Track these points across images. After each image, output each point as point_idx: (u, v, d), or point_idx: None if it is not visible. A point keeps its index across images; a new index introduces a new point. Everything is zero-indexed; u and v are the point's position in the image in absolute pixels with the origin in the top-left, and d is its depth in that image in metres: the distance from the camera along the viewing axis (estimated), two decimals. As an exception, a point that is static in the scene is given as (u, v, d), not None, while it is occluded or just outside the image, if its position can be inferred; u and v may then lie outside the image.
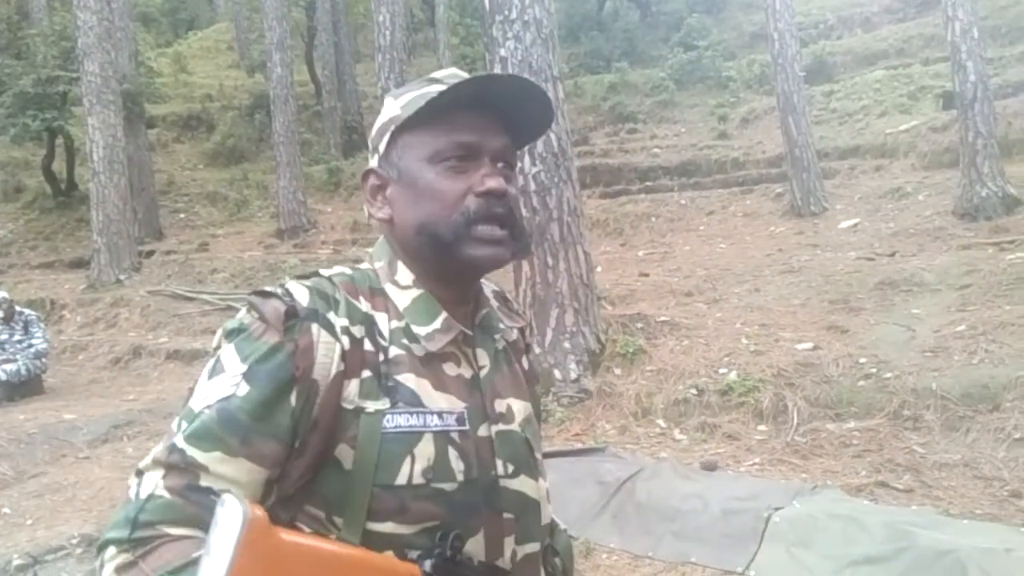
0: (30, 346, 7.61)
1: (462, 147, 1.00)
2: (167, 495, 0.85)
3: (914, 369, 4.90)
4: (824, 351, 5.39)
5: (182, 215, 15.39)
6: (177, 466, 0.86)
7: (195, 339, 9.02)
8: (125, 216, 11.85)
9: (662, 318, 6.31)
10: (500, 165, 1.03)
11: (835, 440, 4.55)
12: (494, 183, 1.00)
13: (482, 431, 1.00)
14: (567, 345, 5.77)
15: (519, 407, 1.08)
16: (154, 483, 0.86)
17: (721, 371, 5.39)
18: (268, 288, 0.95)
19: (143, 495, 0.86)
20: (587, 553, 3.66)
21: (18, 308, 7.87)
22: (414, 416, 0.93)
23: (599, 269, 8.01)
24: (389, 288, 1.02)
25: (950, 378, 4.71)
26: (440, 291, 1.04)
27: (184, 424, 0.89)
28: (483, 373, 1.05)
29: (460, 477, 0.95)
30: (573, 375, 5.68)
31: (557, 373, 5.70)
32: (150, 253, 12.76)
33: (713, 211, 11.22)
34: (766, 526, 3.56)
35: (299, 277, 1.00)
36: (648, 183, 12.70)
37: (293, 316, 0.92)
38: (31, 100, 13.53)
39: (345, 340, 0.93)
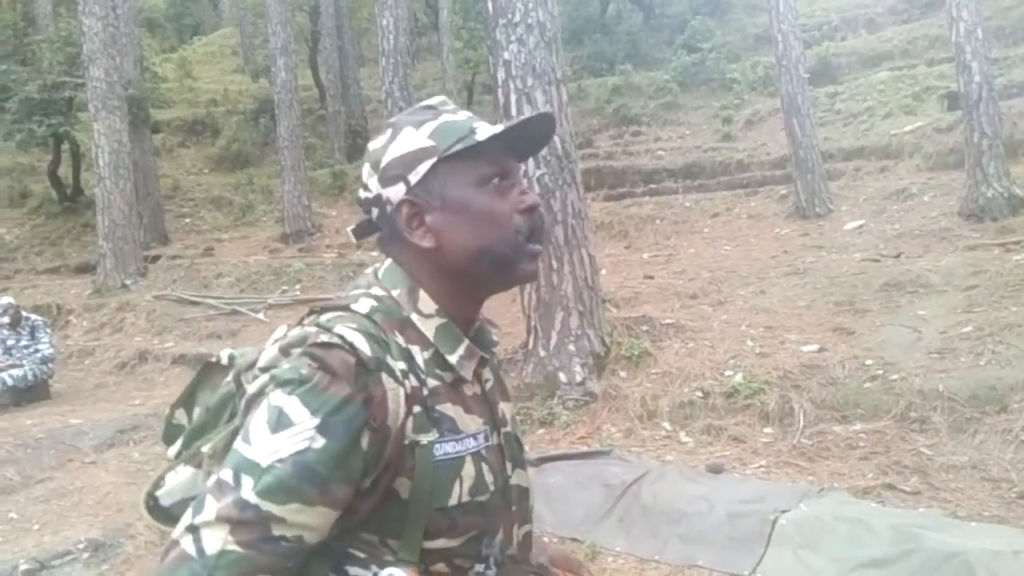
0: (36, 351, 7.62)
1: (501, 169, 1.07)
2: (239, 549, 0.86)
3: (921, 371, 4.89)
4: (830, 353, 5.38)
5: (187, 220, 15.43)
6: (248, 521, 0.87)
7: (201, 343, 9.03)
8: (131, 221, 11.88)
9: (667, 321, 6.30)
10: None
11: (841, 442, 4.53)
12: (533, 199, 1.08)
13: (495, 439, 1.09)
14: (572, 348, 5.76)
15: (507, 408, 1.17)
16: (221, 539, 0.86)
17: (727, 373, 5.38)
18: (325, 339, 0.94)
19: (210, 551, 0.86)
20: (593, 556, 3.66)
21: (24, 313, 7.89)
22: (458, 443, 1.00)
23: (603, 272, 8.00)
24: (415, 318, 1.05)
25: (957, 379, 4.69)
26: (458, 318, 1.09)
27: (248, 479, 0.88)
28: (488, 386, 1.12)
29: (492, 487, 1.03)
30: (578, 378, 5.67)
31: (562, 376, 5.69)
32: (156, 258, 12.79)
33: (718, 213, 11.21)
34: (773, 529, 3.55)
35: (320, 309, 1.02)
36: (652, 185, 12.70)
37: (361, 366, 0.93)
38: (37, 106, 13.59)
39: (407, 384, 0.98)
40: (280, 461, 0.88)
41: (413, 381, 0.98)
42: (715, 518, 3.75)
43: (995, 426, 4.30)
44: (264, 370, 0.97)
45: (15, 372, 7.37)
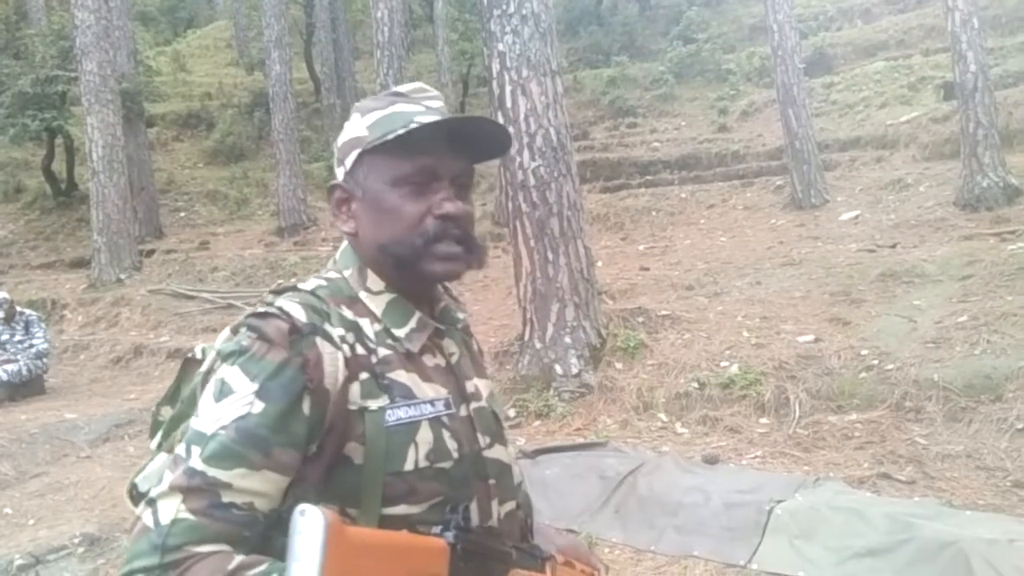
0: (31, 346, 7.60)
1: (423, 172, 1.07)
2: (192, 516, 0.88)
3: (916, 360, 4.89)
4: (825, 343, 5.38)
5: (182, 214, 15.39)
6: (198, 488, 0.89)
7: (196, 338, 9.01)
8: (125, 215, 11.84)
9: (663, 312, 6.30)
10: (458, 186, 1.10)
11: (837, 432, 4.54)
12: (451, 208, 1.07)
13: (463, 411, 1.10)
14: (568, 340, 5.76)
15: (483, 384, 1.19)
16: (174, 508, 0.88)
17: (722, 364, 5.38)
18: (262, 309, 1.00)
19: (165, 521, 0.88)
20: (589, 547, 3.65)
21: (19, 308, 7.85)
22: (411, 408, 1.02)
23: (599, 264, 8.00)
24: (363, 295, 1.10)
25: (952, 369, 4.70)
26: (409, 293, 1.12)
27: (196, 448, 0.92)
28: (454, 360, 1.15)
29: (455, 455, 1.04)
30: (574, 370, 5.67)
31: (558, 368, 5.69)
32: (150, 252, 12.75)
33: (713, 204, 11.21)
34: (768, 519, 3.55)
35: (276, 292, 1.06)
36: (648, 177, 12.68)
37: (296, 332, 0.97)
38: (30, 100, 13.51)
39: (346, 348, 1.00)
40: (223, 428, 0.92)
41: (360, 350, 1.02)
42: (711, 509, 3.75)
43: (990, 415, 4.31)
44: (217, 350, 1.02)
45: (9, 367, 7.34)
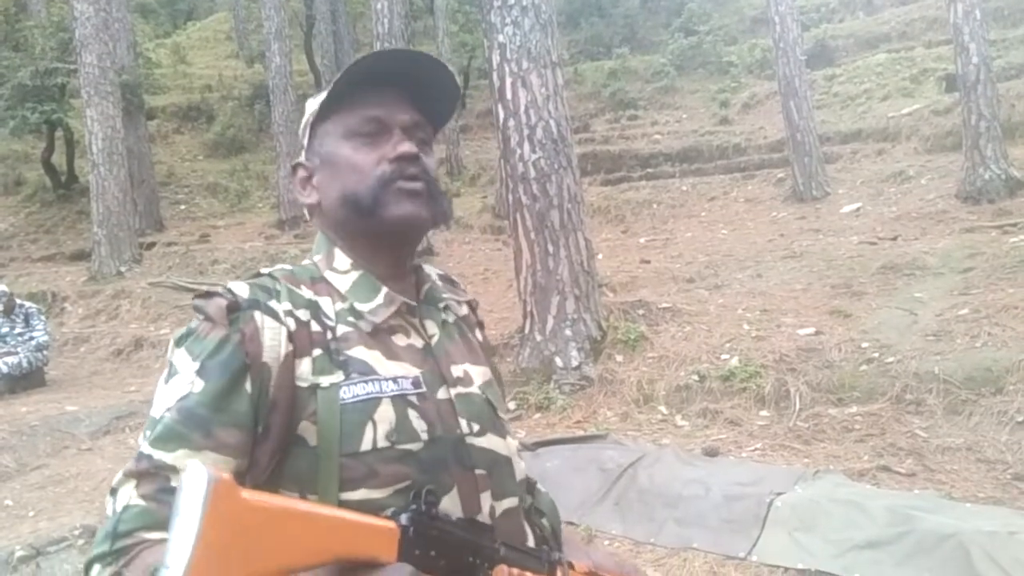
0: (31, 339, 7.59)
1: (371, 121, 1.07)
2: (141, 502, 0.87)
3: (917, 353, 4.88)
4: (826, 336, 5.37)
5: (183, 206, 15.37)
6: (147, 472, 0.88)
7: (197, 330, 9.00)
8: (125, 208, 11.82)
9: (663, 305, 6.29)
10: (417, 141, 1.09)
11: (837, 425, 4.53)
12: (405, 147, 1.06)
13: (441, 394, 1.04)
14: (568, 332, 5.75)
15: (477, 371, 1.12)
16: (128, 495, 0.88)
17: (723, 357, 5.37)
18: (209, 288, 1.00)
19: (119, 508, 0.87)
20: (589, 540, 3.66)
21: (18, 301, 7.85)
22: (369, 384, 0.97)
23: (600, 256, 7.99)
24: (329, 275, 1.08)
25: (953, 362, 4.69)
26: (378, 269, 1.09)
27: (148, 432, 0.91)
28: (434, 341, 1.09)
29: (424, 436, 0.98)
30: (574, 362, 5.66)
31: (558, 360, 5.68)
32: (151, 245, 12.73)
33: (714, 197, 11.19)
34: (768, 511, 3.55)
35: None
36: (649, 170, 12.66)
37: (235, 308, 0.96)
38: (29, 92, 13.48)
39: (290, 322, 0.97)
40: (168, 410, 0.91)
41: (315, 327, 0.99)
42: (711, 501, 3.74)
43: (990, 408, 4.30)
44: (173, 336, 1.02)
45: (10, 359, 7.33)
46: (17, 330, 7.61)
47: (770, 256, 7.77)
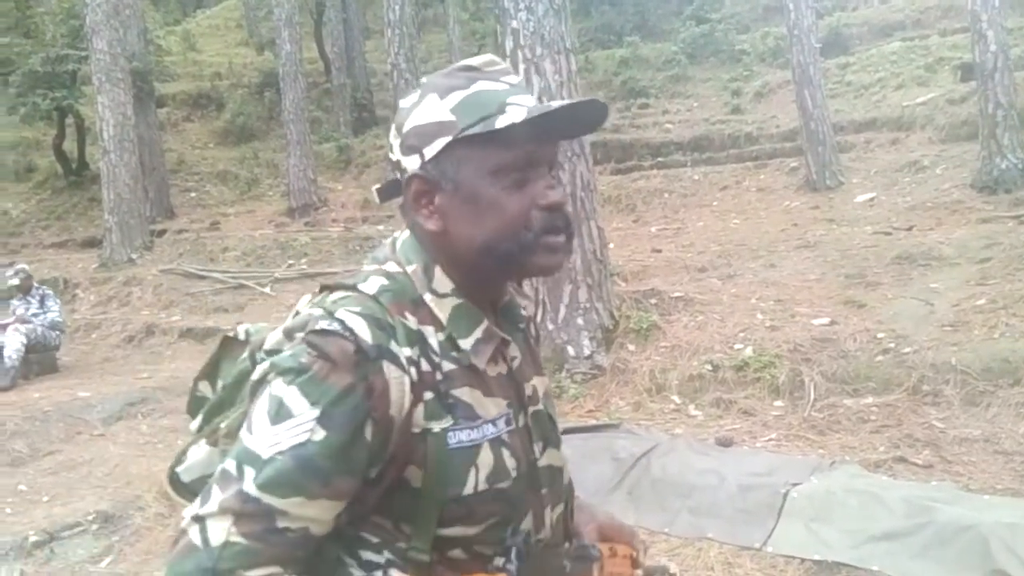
0: (46, 317, 7.72)
1: (525, 159, 0.97)
2: (244, 541, 0.85)
3: (933, 344, 4.84)
4: (841, 326, 5.33)
5: (193, 194, 15.39)
6: (252, 514, 0.86)
7: (208, 317, 9.04)
8: (136, 195, 11.86)
9: (676, 294, 6.25)
10: (553, 171, 1.02)
11: (853, 415, 4.50)
12: (556, 196, 0.99)
13: (521, 420, 1.04)
14: (580, 321, 5.72)
15: (541, 384, 1.11)
16: (225, 530, 0.85)
17: (736, 347, 5.34)
18: (324, 325, 0.91)
19: (215, 543, 0.85)
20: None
21: (35, 283, 7.99)
22: (474, 430, 0.96)
23: (612, 245, 7.94)
24: (428, 298, 1.00)
25: (970, 352, 4.64)
26: (478, 297, 1.03)
27: (250, 470, 0.87)
28: (515, 364, 1.06)
29: (514, 474, 0.99)
30: (587, 351, 5.64)
31: (570, 350, 5.66)
32: (162, 232, 12.77)
33: (727, 186, 11.11)
34: (784, 502, 3.53)
35: (329, 288, 0.98)
36: (661, 159, 12.58)
37: (361, 354, 0.90)
38: (41, 79, 13.51)
39: (412, 371, 0.93)
40: (280, 453, 0.87)
41: (425, 366, 0.94)
42: (725, 491, 3.72)
43: (1008, 399, 4.26)
44: (269, 353, 0.95)
45: (24, 327, 7.43)
46: (32, 311, 7.75)
47: (783, 246, 7.72)
